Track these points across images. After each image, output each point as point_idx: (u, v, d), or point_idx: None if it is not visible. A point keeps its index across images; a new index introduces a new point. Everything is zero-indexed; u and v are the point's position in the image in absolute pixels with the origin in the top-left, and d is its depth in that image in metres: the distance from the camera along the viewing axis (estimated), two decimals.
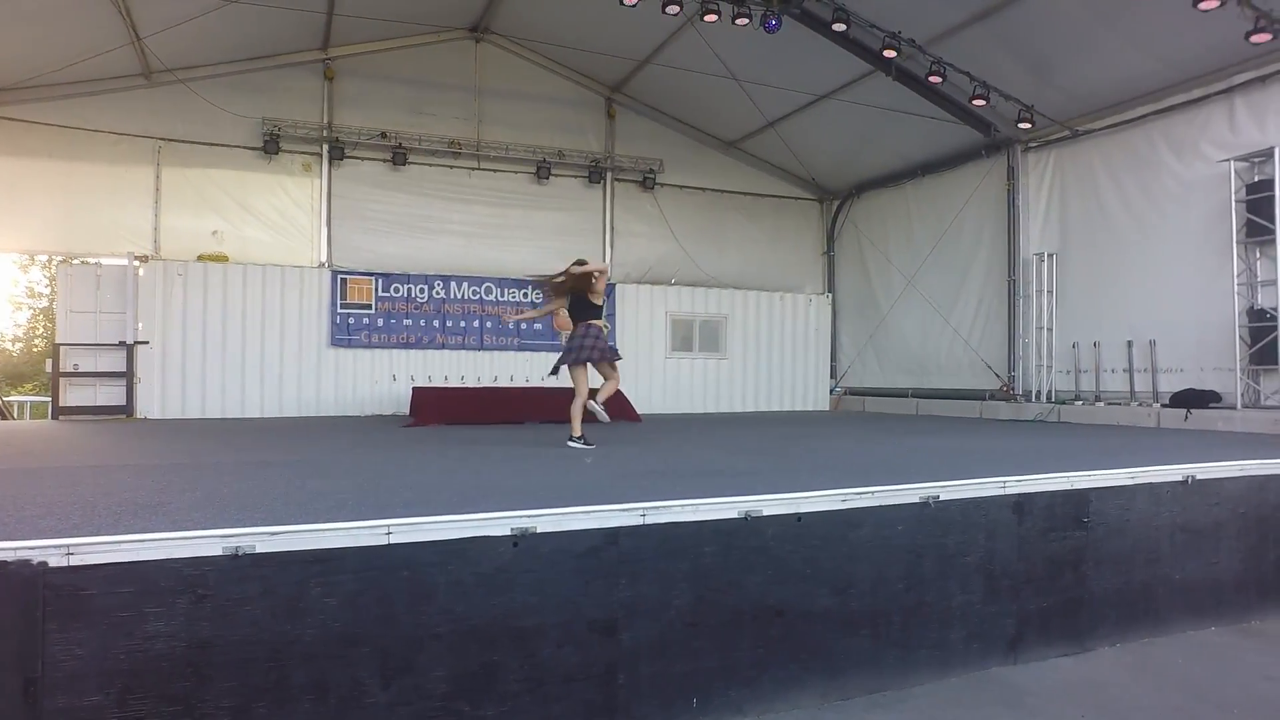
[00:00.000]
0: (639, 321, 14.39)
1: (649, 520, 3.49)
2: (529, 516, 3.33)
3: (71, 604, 2.70)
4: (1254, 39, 8.52)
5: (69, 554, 2.74)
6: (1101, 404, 11.17)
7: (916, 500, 4.11)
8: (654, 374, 14.43)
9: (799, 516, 3.80)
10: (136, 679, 2.78)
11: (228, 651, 2.90)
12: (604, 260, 14.50)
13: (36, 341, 26.32)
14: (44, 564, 2.69)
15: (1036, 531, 4.44)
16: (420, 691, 3.14)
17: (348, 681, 3.06)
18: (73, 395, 11.54)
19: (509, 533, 3.28)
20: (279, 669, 2.97)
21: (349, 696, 3.06)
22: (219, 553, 2.94)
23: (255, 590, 2.96)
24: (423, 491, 4.07)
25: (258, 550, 2.99)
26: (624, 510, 3.47)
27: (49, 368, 11.91)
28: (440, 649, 3.17)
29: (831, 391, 16.03)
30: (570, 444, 6.68)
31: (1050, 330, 12.05)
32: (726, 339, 15.11)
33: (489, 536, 3.26)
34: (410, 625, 3.14)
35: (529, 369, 13.52)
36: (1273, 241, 9.12)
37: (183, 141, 12.24)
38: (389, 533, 3.16)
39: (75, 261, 12.03)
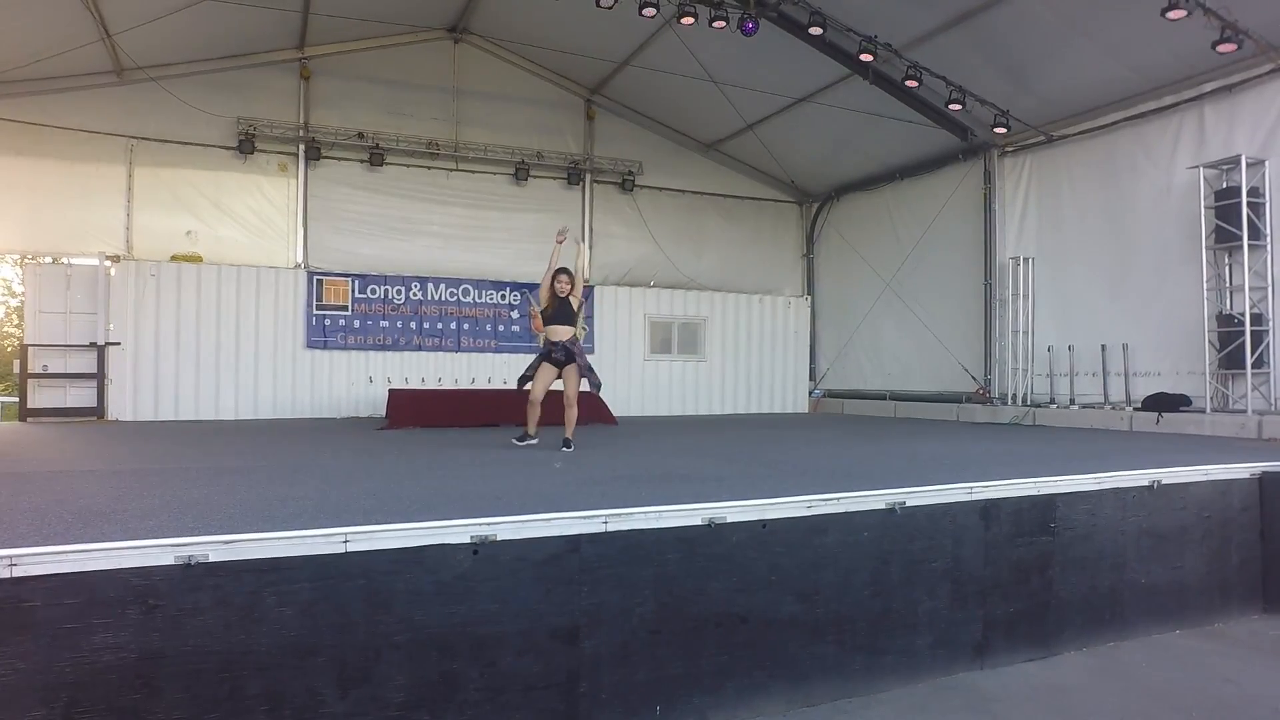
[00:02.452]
0: (617, 323, 14.37)
1: (611, 527, 3.47)
2: (489, 524, 3.30)
3: (13, 616, 2.65)
4: (1220, 49, 8.64)
5: (12, 565, 2.68)
6: (1076, 407, 11.27)
7: (883, 506, 4.11)
8: (632, 376, 14.40)
9: (764, 523, 3.79)
10: (83, 692, 2.73)
11: (179, 662, 2.86)
12: (586, 263, 14.46)
13: (9, 340, 25.86)
14: None
15: (1003, 537, 4.46)
16: (378, 701, 3.10)
17: (303, 692, 3.01)
18: (42, 397, 11.34)
19: (469, 540, 3.25)
20: (232, 680, 2.92)
21: (305, 707, 3.01)
22: (170, 562, 2.89)
23: (208, 600, 2.92)
24: (384, 498, 4.02)
25: (211, 559, 2.94)
26: (586, 517, 3.45)
27: (17, 368, 11.71)
28: (399, 658, 3.13)
29: (811, 394, 16.07)
30: (566, 449, 6.81)
31: (1026, 334, 12.15)
32: (705, 341, 15.11)
33: (448, 544, 3.23)
34: (368, 634, 3.10)
35: (506, 371, 13.45)
36: (1241, 247, 9.25)
37: (156, 140, 12.08)
38: (346, 541, 3.12)
39: (44, 261, 11.84)
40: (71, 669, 2.71)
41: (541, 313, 7.05)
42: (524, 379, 7.14)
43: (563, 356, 6.96)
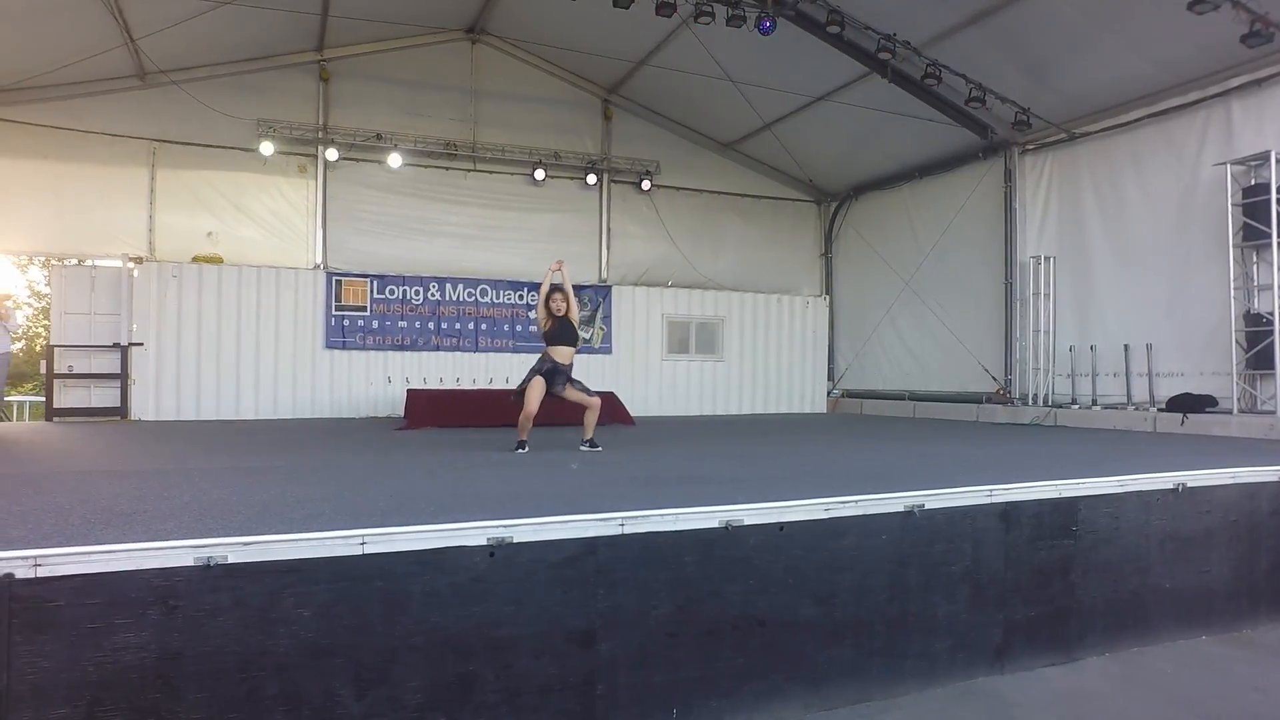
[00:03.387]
0: (635, 323, 14.36)
1: (628, 530, 3.46)
2: (505, 526, 3.30)
3: (38, 616, 2.67)
4: (1249, 42, 8.47)
5: (36, 565, 2.71)
6: (1098, 408, 11.13)
7: (901, 509, 4.07)
8: (650, 376, 14.39)
9: (781, 526, 3.76)
10: (105, 691, 2.75)
11: (199, 663, 2.88)
12: (603, 265, 14.50)
13: (36, 341, 26.27)
14: (10, 576, 2.66)
15: (1024, 540, 4.41)
16: (395, 703, 3.11)
17: (321, 693, 3.03)
18: (67, 397, 11.52)
19: (485, 542, 3.25)
20: (251, 680, 2.94)
21: (322, 708, 3.03)
22: (190, 563, 2.91)
23: (227, 601, 2.94)
24: (401, 499, 4.03)
25: (230, 561, 2.96)
26: (602, 520, 3.44)
27: (44, 369, 11.89)
28: (415, 660, 3.14)
29: (829, 394, 15.99)
30: (588, 448, 6.90)
31: (1047, 333, 12.01)
32: (723, 341, 15.07)
33: (465, 546, 3.23)
34: (385, 636, 3.11)
35: (524, 371, 13.41)
36: (1269, 245, 9.08)
37: (177, 143, 12.23)
38: (363, 543, 3.13)
39: (69, 263, 12.01)
40: (94, 668, 2.73)
41: (544, 335, 7.03)
42: (519, 392, 7.02)
43: (561, 383, 6.90)
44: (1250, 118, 9.56)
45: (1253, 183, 9.36)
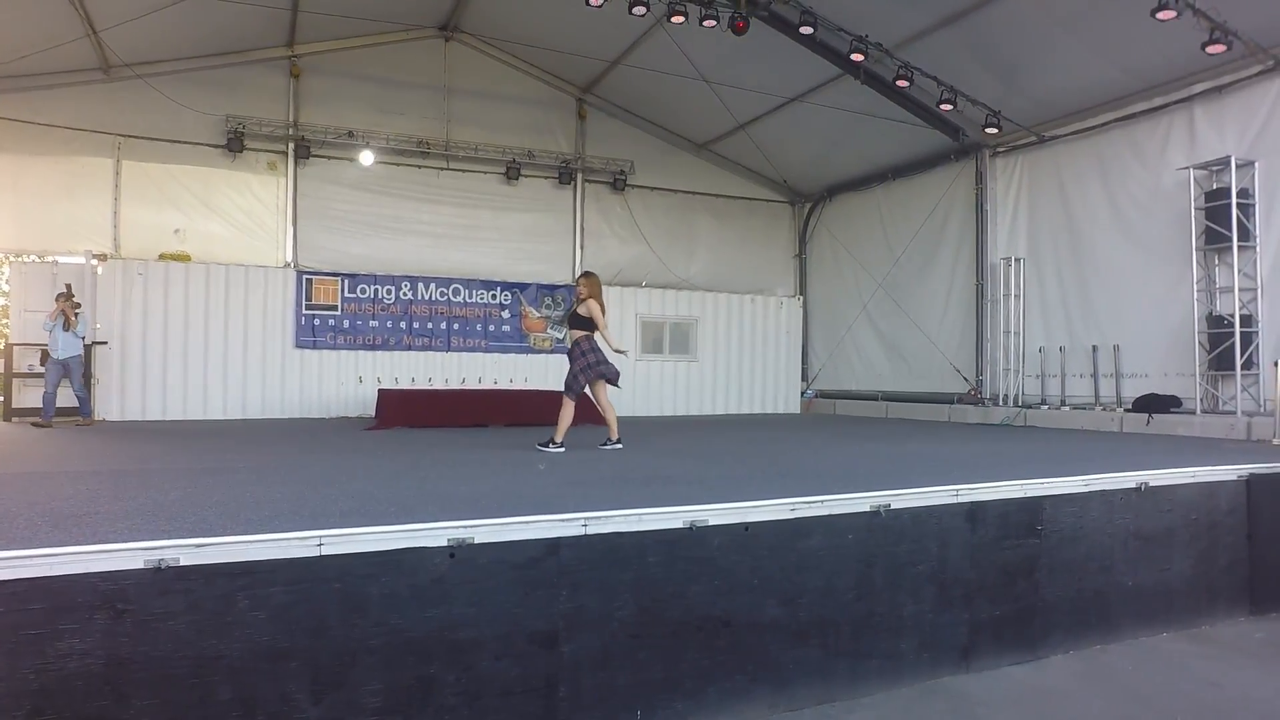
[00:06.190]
0: (608, 324, 14.28)
1: (590, 530, 3.43)
2: (466, 527, 3.26)
3: None
4: (1210, 50, 8.62)
5: None
6: (1067, 408, 11.27)
7: (867, 509, 4.08)
8: (623, 377, 14.26)
9: (746, 526, 3.75)
10: (47, 699, 2.68)
11: (149, 668, 2.81)
12: (577, 265, 14.45)
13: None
14: None
15: (989, 540, 4.44)
16: (353, 706, 3.06)
17: (276, 697, 2.97)
18: (28, 396, 11.22)
19: (445, 543, 3.21)
20: (203, 685, 2.88)
21: (278, 712, 2.97)
22: (140, 566, 2.84)
23: (179, 604, 2.87)
24: (362, 500, 3.97)
25: (182, 563, 2.90)
26: (564, 520, 3.41)
27: (1, 368, 11.59)
28: (374, 662, 3.09)
29: (803, 395, 16.05)
30: (545, 448, 6.87)
31: (1017, 334, 12.14)
32: (697, 341, 15.08)
33: (425, 547, 3.19)
34: (342, 638, 3.06)
35: (496, 371, 13.42)
36: (1230, 249, 9.25)
37: (143, 138, 11.98)
38: (320, 544, 3.07)
39: (30, 259, 11.73)
40: (35, 676, 2.65)
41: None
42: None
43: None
44: (1212, 123, 9.74)
45: (1214, 187, 9.53)
